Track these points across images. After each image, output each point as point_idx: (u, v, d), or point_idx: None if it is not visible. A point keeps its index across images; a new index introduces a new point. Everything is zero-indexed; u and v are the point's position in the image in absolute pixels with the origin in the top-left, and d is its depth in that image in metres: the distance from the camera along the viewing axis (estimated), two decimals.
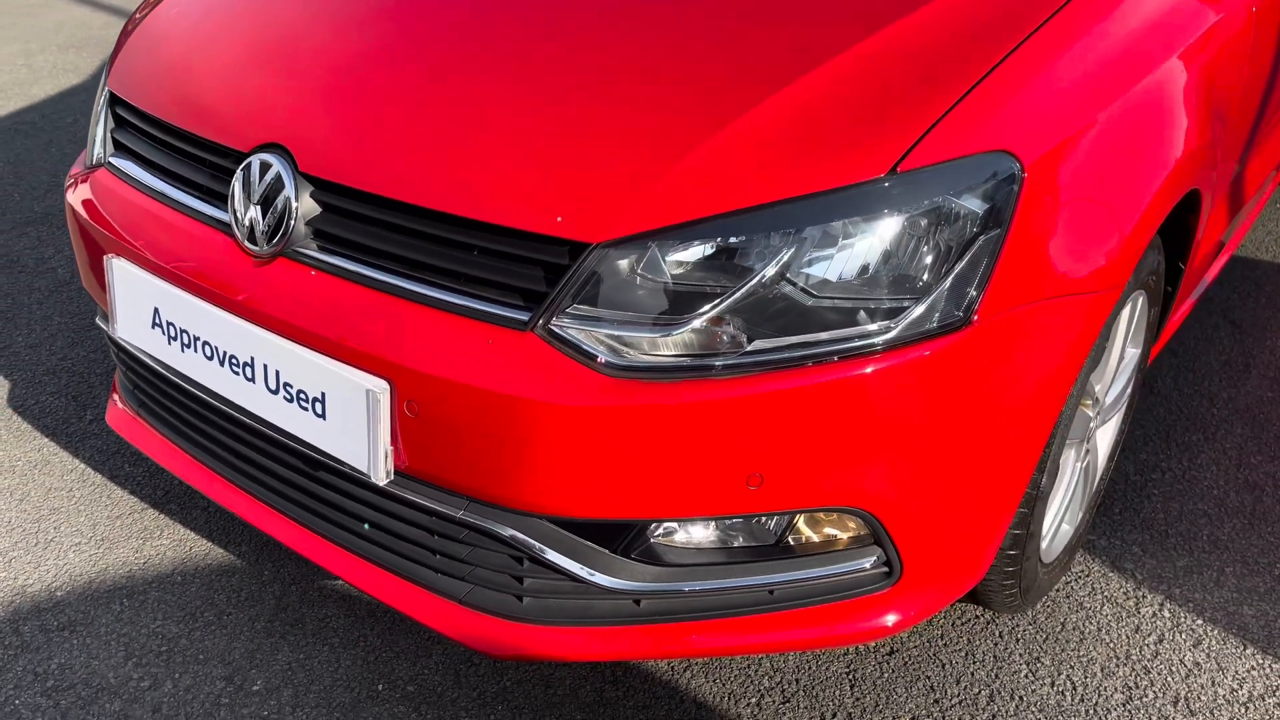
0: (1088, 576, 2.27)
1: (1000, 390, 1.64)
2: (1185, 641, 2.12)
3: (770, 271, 1.53)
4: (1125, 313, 2.03)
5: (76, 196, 2.07)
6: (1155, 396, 2.86)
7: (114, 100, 2.11)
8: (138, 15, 2.28)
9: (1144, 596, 2.22)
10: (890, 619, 1.76)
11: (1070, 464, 2.10)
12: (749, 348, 1.54)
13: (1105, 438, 2.25)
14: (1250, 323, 3.21)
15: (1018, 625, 2.15)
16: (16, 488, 2.46)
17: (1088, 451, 2.13)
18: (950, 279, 1.57)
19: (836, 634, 1.76)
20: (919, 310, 1.56)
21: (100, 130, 2.13)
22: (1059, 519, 2.11)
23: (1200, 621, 2.17)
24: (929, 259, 1.56)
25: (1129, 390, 2.24)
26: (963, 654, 2.08)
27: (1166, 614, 2.19)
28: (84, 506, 2.41)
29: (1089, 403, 2.04)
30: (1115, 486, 2.52)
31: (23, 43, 5.51)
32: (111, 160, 2.06)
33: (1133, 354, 2.20)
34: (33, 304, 3.17)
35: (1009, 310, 1.61)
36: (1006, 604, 2.04)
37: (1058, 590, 2.23)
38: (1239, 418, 2.79)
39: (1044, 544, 2.04)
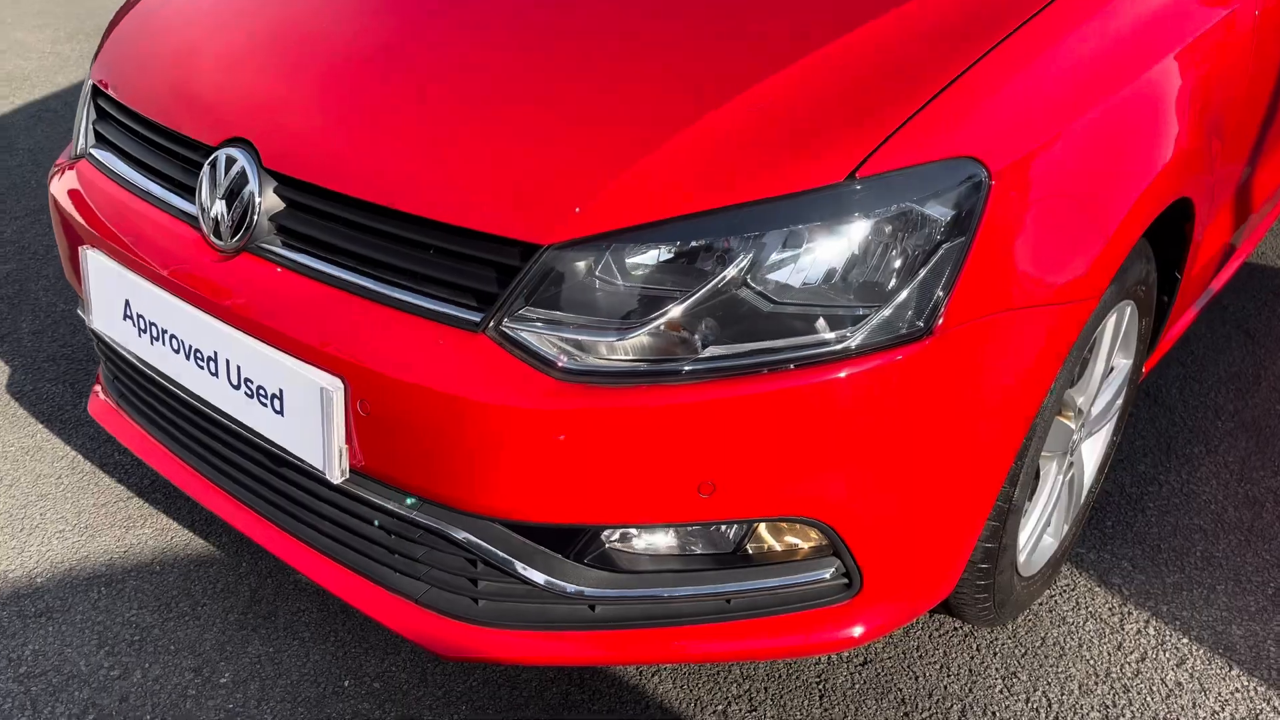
0: (1073, 591, 2.22)
1: (964, 402, 1.60)
2: (1169, 660, 2.07)
3: (727, 276, 1.50)
4: (1111, 323, 1.98)
5: (58, 187, 2.08)
6: (1159, 407, 2.80)
7: (96, 92, 2.12)
8: (124, 7, 2.29)
9: (1130, 613, 2.17)
10: (857, 630, 1.73)
11: (1051, 476, 2.06)
12: (704, 354, 1.51)
13: (1092, 450, 2.19)
14: (1264, 333, 3.13)
15: (997, 639, 2.10)
16: (6, 473, 2.48)
17: (1071, 465, 2.09)
18: (913, 287, 1.53)
19: (801, 644, 1.73)
20: (880, 318, 1.52)
21: (84, 122, 2.14)
22: (1039, 532, 2.06)
23: (1186, 640, 2.12)
24: (891, 266, 1.53)
25: (1119, 402, 2.18)
26: (937, 666, 2.04)
27: (1152, 631, 2.13)
28: (71, 494, 2.43)
29: (1070, 415, 1.99)
30: (1109, 499, 2.47)
31: (54, 29, 5.57)
32: (92, 151, 2.07)
33: (1122, 365, 2.15)
34: (39, 291, 3.21)
35: (974, 320, 1.57)
36: (981, 617, 2.00)
37: (1040, 604, 2.18)
38: (1244, 431, 2.73)
39: (1021, 557, 2.00)
